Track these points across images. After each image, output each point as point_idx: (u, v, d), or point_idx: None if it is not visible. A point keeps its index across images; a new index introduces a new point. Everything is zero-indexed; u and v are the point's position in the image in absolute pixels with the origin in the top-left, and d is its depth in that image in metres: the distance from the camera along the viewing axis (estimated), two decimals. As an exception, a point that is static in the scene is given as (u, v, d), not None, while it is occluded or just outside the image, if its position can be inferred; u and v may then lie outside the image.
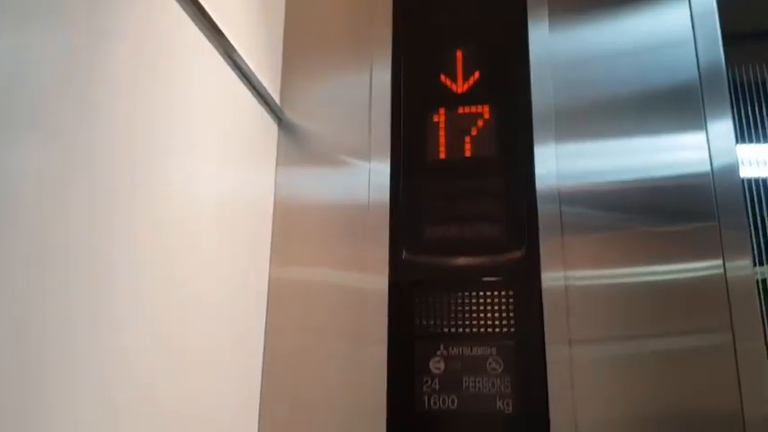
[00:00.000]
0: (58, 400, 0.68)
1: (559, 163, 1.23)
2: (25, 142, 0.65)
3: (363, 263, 1.24)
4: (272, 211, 1.32)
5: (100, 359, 0.75)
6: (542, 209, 1.20)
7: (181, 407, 0.94)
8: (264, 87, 1.28)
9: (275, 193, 1.33)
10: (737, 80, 1.78)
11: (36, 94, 0.67)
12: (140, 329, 0.84)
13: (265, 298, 1.27)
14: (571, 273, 1.16)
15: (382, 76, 1.35)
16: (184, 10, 1.00)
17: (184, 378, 0.95)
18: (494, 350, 1.15)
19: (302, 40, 1.44)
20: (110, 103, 0.80)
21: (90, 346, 0.74)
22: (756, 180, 1.85)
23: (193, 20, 1.03)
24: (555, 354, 1.12)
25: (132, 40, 0.86)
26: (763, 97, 1.83)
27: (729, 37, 1.27)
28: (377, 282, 1.22)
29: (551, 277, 1.16)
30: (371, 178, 1.29)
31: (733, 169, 1.19)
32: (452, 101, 1.30)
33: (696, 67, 1.25)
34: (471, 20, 1.37)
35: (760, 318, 1.10)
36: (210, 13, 1.06)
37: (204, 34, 1.07)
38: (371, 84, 1.35)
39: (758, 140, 1.86)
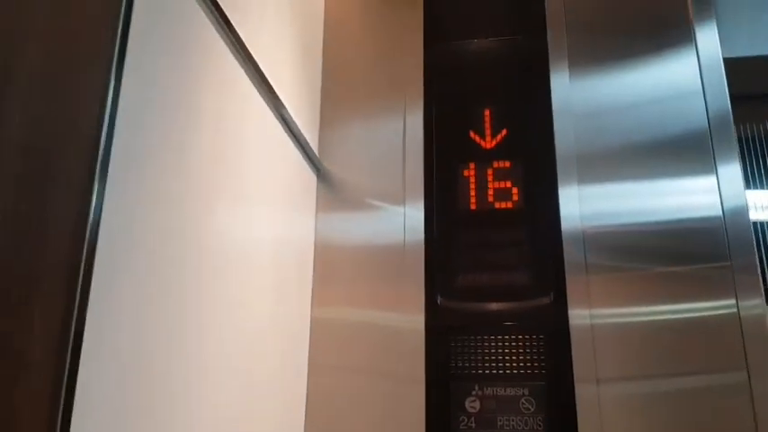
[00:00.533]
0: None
1: (582, 205, 1.31)
2: (141, 174, 0.73)
3: (401, 305, 1.32)
4: (312, 256, 1.41)
5: (191, 389, 0.83)
6: (568, 252, 1.28)
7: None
8: (306, 140, 1.38)
9: (315, 239, 1.42)
10: (743, 136, 1.89)
11: (147, 139, 0.75)
12: (224, 370, 0.92)
13: (308, 336, 1.34)
14: (596, 312, 1.24)
15: (415, 129, 1.45)
16: (246, 72, 1.09)
17: (247, 408, 1.02)
18: (526, 391, 1.23)
19: (338, 94, 1.54)
20: (195, 155, 0.88)
21: (187, 375, 0.81)
22: (763, 223, 1.93)
23: (253, 81, 1.12)
24: (583, 393, 1.19)
25: (211, 101, 0.95)
26: (758, 149, 1.93)
27: (736, 97, 1.37)
28: (413, 323, 1.30)
29: (578, 317, 1.24)
30: (406, 223, 1.38)
31: (743, 211, 1.27)
32: (482, 156, 1.40)
33: (706, 116, 1.34)
34: (498, 78, 1.48)
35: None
36: (265, 72, 1.15)
37: (260, 94, 1.16)
38: (405, 136, 1.45)
39: (763, 187, 1.96)
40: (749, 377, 1.16)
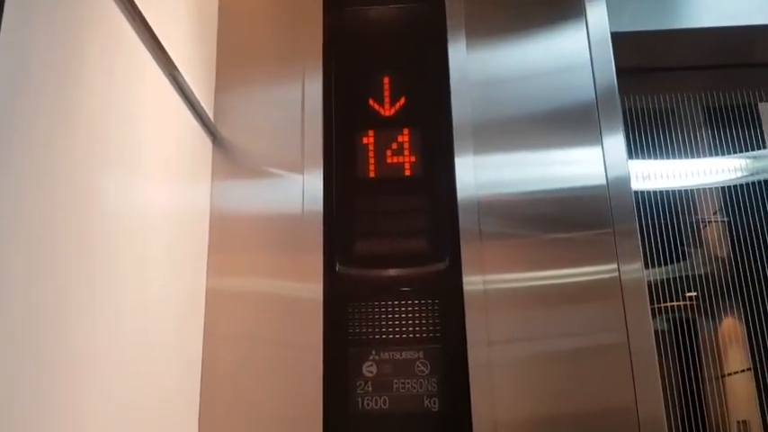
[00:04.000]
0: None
1: (477, 174, 1.34)
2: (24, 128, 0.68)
3: (299, 273, 1.30)
4: (208, 225, 1.36)
5: (69, 359, 0.79)
6: (463, 220, 1.31)
7: (126, 413, 0.98)
8: (201, 105, 1.33)
9: (211, 208, 1.37)
10: (628, 108, 1.99)
11: (30, 99, 0.70)
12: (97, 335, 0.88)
13: (203, 308, 1.31)
14: (489, 278, 1.28)
15: (314, 95, 1.42)
16: (134, 29, 1.04)
17: (129, 386, 0.99)
18: (421, 354, 1.25)
19: (234, 57, 1.49)
20: (79, 122, 0.84)
21: (77, 350, 0.78)
22: (643, 192, 2.05)
23: (142, 39, 1.06)
24: (476, 355, 1.23)
25: (98, 64, 0.90)
26: (648, 122, 2.05)
27: (622, 70, 1.43)
28: (311, 291, 1.29)
29: (472, 283, 1.27)
30: (305, 191, 1.36)
31: (625, 181, 1.34)
32: (381, 124, 1.40)
33: (593, 89, 1.40)
34: (398, 45, 1.48)
35: (650, 318, 1.26)
36: (156, 30, 1.09)
37: (151, 53, 1.10)
38: (303, 101, 1.42)
39: (645, 157, 2.08)
40: (628, 336, 1.24)
